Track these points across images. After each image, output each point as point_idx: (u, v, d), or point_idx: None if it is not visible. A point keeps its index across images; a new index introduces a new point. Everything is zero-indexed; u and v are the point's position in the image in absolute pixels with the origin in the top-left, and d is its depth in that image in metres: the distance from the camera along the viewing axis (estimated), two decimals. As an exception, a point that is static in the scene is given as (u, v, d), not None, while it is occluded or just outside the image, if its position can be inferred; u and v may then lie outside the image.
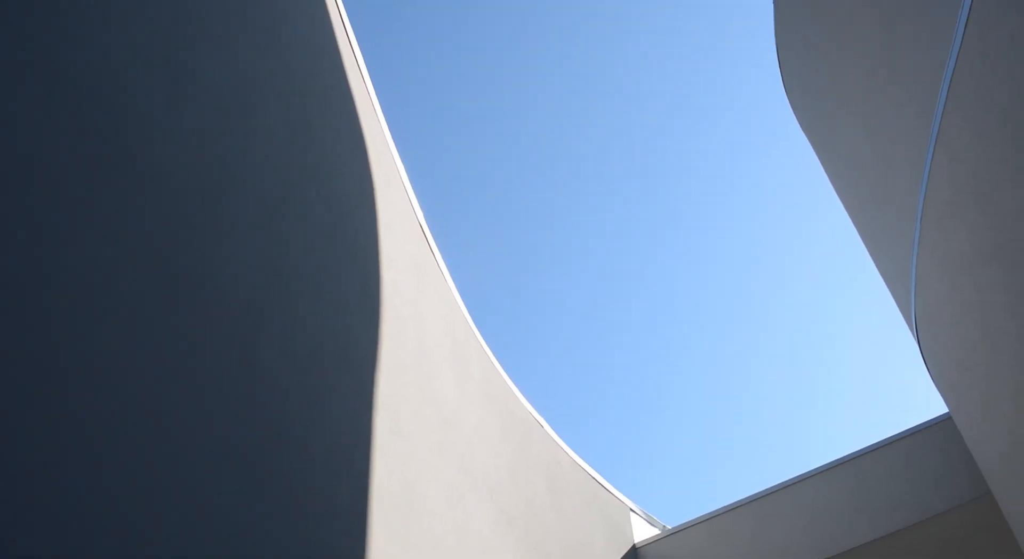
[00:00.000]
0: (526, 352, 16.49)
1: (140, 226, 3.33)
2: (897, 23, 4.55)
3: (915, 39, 4.32)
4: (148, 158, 3.51)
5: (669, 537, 8.15)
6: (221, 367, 3.62)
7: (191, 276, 3.60)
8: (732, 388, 17.89)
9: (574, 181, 16.78)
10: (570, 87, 16.47)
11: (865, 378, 18.14)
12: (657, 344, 18.01)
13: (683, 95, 16.77)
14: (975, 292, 4.28)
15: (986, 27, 3.55)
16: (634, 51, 16.24)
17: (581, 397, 17.42)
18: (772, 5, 6.77)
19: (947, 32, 3.81)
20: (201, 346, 3.53)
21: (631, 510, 8.50)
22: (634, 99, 16.64)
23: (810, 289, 17.87)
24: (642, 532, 8.44)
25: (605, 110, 16.72)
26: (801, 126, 7.52)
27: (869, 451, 7.09)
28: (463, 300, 7.04)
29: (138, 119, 3.51)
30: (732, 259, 17.56)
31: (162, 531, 2.97)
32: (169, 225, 3.53)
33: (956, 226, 4.22)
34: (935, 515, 6.29)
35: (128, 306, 3.14)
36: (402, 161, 6.60)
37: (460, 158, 16.63)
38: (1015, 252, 3.74)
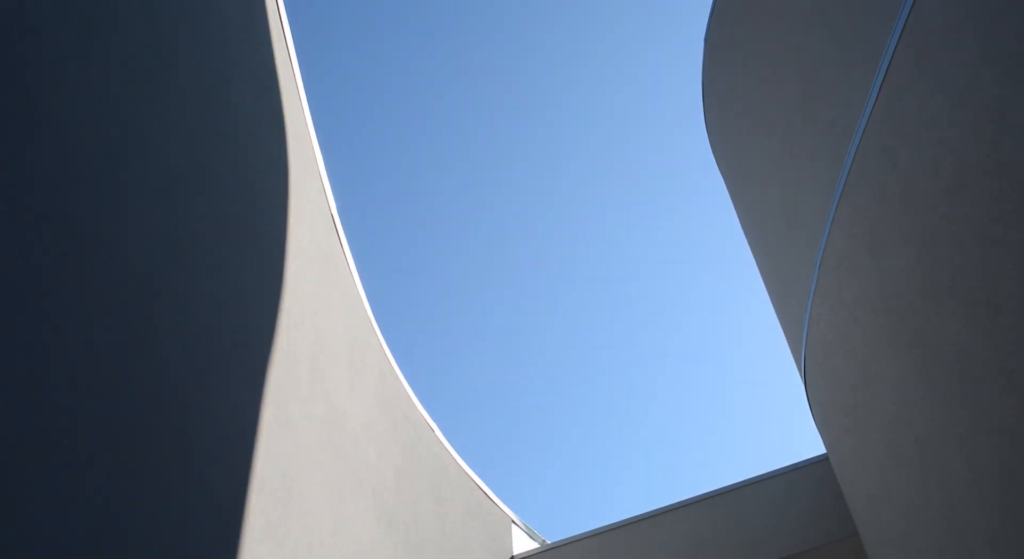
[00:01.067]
0: (426, 356, 16.42)
1: (32, 175, 3.16)
2: (816, 79, 4.72)
3: (832, 95, 4.49)
4: (50, 106, 3.33)
5: (548, 551, 8.21)
6: (107, 337, 3.46)
7: (83, 234, 3.42)
8: (629, 411, 18.19)
9: (493, 187, 16.83)
10: (491, 84, 16.49)
11: (760, 413, 18.68)
12: (560, 362, 18.18)
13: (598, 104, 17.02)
14: (861, 340, 4.45)
15: (897, 93, 3.71)
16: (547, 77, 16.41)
17: (476, 405, 17.45)
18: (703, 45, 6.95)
19: (862, 92, 3.97)
20: (87, 311, 3.36)
21: (513, 522, 8.54)
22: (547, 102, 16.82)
23: (714, 320, 18.33)
24: (522, 544, 8.49)
25: (519, 115, 16.84)
26: (718, 167, 7.73)
27: (748, 484, 7.30)
28: (367, 297, 6.97)
29: (43, 65, 3.33)
30: (638, 274, 17.87)
31: (25, 516, 2.81)
32: (66, 178, 3.36)
33: (850, 277, 4.40)
34: (806, 550, 6.52)
35: (9, 260, 2.97)
36: (321, 151, 6.49)
37: (384, 156, 16.49)
38: (900, 307, 3.92)
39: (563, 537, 8.31)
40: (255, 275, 5.07)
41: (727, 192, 7.59)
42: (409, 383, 7.38)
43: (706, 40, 6.88)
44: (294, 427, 5.04)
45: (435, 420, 7.67)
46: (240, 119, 5.33)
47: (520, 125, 16.73)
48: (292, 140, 5.99)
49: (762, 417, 18.76)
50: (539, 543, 8.86)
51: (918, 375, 3.87)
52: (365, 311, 6.88)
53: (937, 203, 3.50)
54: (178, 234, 4.23)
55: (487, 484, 8.27)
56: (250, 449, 4.52)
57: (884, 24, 3.77)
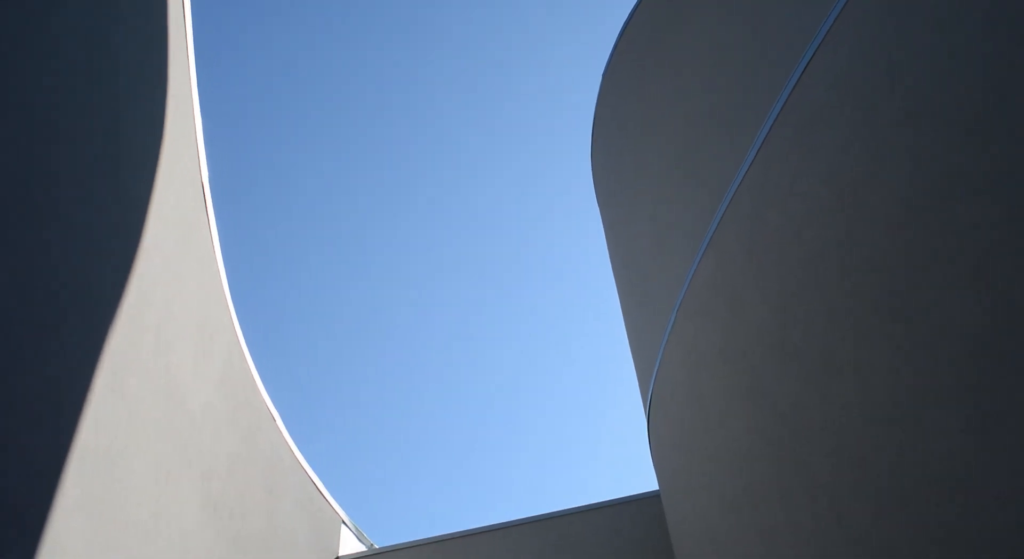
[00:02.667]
0: (279, 343, 16.00)
1: None
2: (702, 132, 4.90)
3: (714, 150, 4.67)
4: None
5: (374, 555, 8.12)
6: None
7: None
8: (478, 426, 18.26)
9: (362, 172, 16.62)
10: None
11: (607, 441, 19.09)
12: (417, 370, 18.08)
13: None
14: (707, 387, 4.63)
15: (772, 160, 3.90)
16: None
17: (322, 400, 17.12)
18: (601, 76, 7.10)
19: (741, 153, 4.15)
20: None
21: (343, 522, 8.40)
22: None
23: (579, 346, 18.66)
24: (349, 546, 8.36)
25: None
26: (596, 194, 7.89)
27: (581, 511, 7.45)
28: (227, 275, 6.73)
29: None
30: (500, 281, 18.01)
31: None
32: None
33: (706, 325, 4.57)
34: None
35: None
36: (202, 117, 6.24)
37: (269, 133, 16.02)
38: (748, 360, 4.10)
39: (392, 543, 8.24)
40: (109, 231, 4.81)
41: (601, 220, 7.77)
42: (257, 368, 7.16)
43: (604, 75, 7.04)
44: (128, 398, 4.79)
45: (278, 409, 7.47)
46: (120, 68, 5.05)
47: (399, 113, 16.58)
48: (173, 99, 5.73)
49: (609, 445, 19.22)
50: (367, 546, 8.76)
51: (755, 427, 4.05)
52: (222, 288, 6.64)
53: (796, 269, 3.68)
54: (35, 173, 3.96)
55: (322, 481, 8.11)
56: (76, 414, 4.27)
57: (770, 94, 3.96)
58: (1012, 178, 2.60)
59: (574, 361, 18.69)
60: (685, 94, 5.29)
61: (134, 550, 4.58)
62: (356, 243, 16.91)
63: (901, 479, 2.94)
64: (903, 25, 3.16)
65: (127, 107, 5.10)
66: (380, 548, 8.25)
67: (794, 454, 3.68)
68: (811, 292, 3.56)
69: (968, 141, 2.78)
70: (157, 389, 5.18)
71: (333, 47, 15.88)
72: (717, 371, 4.47)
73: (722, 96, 4.69)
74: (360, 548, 8.56)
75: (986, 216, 2.67)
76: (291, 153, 16.11)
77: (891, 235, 3.09)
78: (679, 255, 4.97)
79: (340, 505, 8.38)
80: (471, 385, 18.19)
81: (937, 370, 2.81)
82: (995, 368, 2.58)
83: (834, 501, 3.33)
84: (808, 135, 3.67)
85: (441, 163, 16.77)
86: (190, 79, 6.03)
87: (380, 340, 17.51)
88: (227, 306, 6.71)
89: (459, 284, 17.71)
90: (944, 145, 2.88)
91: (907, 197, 3.02)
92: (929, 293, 2.88)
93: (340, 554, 8.09)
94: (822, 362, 3.46)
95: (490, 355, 18.24)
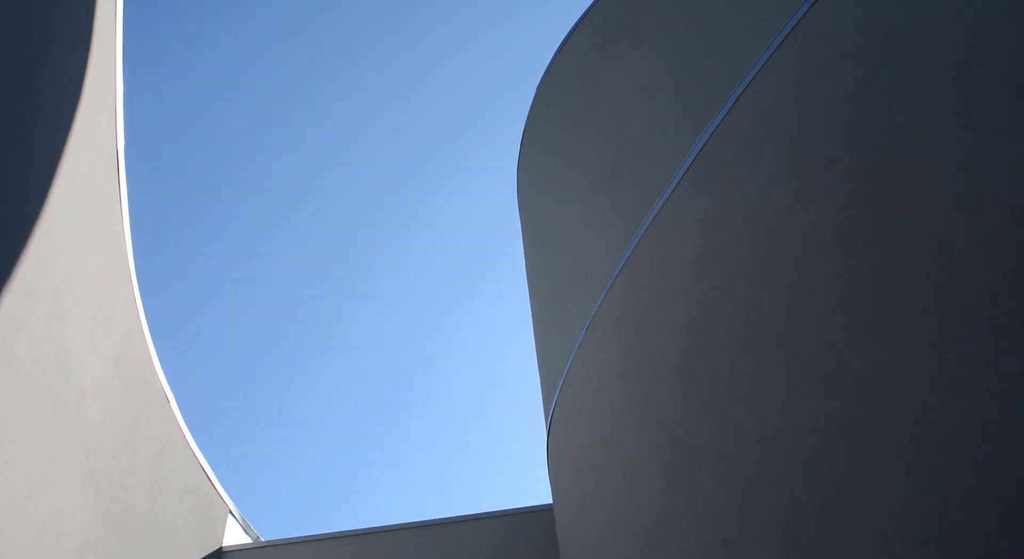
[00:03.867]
0: (181, 323, 15.56)
1: None
2: (630, 156, 4.97)
3: (641, 174, 4.74)
4: None
5: (259, 549, 7.95)
6: None
7: None
8: (378, 426, 18.08)
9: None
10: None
11: (508, 450, 19.11)
12: (325, 366, 17.83)
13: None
14: (608, 406, 4.69)
15: (695, 188, 3.98)
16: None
17: (221, 386, 16.71)
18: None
19: (666, 178, 4.23)
20: None
21: (230, 512, 8.20)
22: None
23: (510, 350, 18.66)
24: (234, 537, 8.16)
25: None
26: (519, 208, 7.93)
27: (473, 519, 7.45)
28: (134, 248, 6.51)
29: None
30: (427, 275, 17.91)
31: None
32: None
33: (613, 344, 4.64)
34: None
35: None
36: (124, 82, 6.04)
37: (192, 107, 15.60)
38: (651, 383, 4.17)
39: (278, 537, 8.09)
40: (12, 190, 4.60)
41: (521, 233, 7.81)
42: (156, 348, 6.94)
43: (537, 92, 7.10)
44: (16, 365, 4.58)
45: (174, 391, 7.25)
46: (43, 23, 4.85)
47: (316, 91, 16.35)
48: (95, 59, 5.53)
49: (513, 455, 19.28)
50: (252, 539, 8.57)
51: (650, 449, 4.12)
52: (127, 260, 6.42)
53: (704, 298, 3.77)
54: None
55: (212, 468, 7.90)
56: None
57: (697, 125, 4.05)
58: (912, 231, 2.71)
59: (498, 371, 18.72)
60: (614, 119, 5.36)
61: (6, 526, 4.38)
62: (269, 228, 16.58)
63: (788, 511, 3.03)
64: (830, 74, 3.27)
65: (44, 63, 4.89)
66: (266, 542, 8.08)
67: (686, 479, 3.75)
68: (716, 322, 3.64)
69: (877, 193, 2.89)
70: (48, 358, 4.97)
71: (271, 18, 15.57)
72: (619, 390, 4.54)
73: (650, 123, 4.77)
74: (245, 540, 8.36)
75: (886, 265, 2.78)
76: (215, 128, 15.72)
77: (799, 274, 3.19)
78: (594, 274, 5.03)
79: (229, 495, 8.19)
80: (379, 387, 18.02)
81: (829, 408, 2.91)
82: (881, 411, 2.68)
83: (721, 527, 3.41)
84: (731, 169, 3.76)
85: (352, 159, 16.61)
86: (116, 42, 5.83)
87: (292, 333, 17.20)
88: (131, 280, 6.49)
89: (381, 276, 17.55)
90: (857, 194, 2.98)
91: (818, 239, 3.12)
92: (828, 334, 2.98)
93: (224, 544, 7.89)
94: (721, 391, 3.55)
95: (400, 358, 18.10)
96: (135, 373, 6.47)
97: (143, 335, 6.73)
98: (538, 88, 7.04)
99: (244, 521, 8.50)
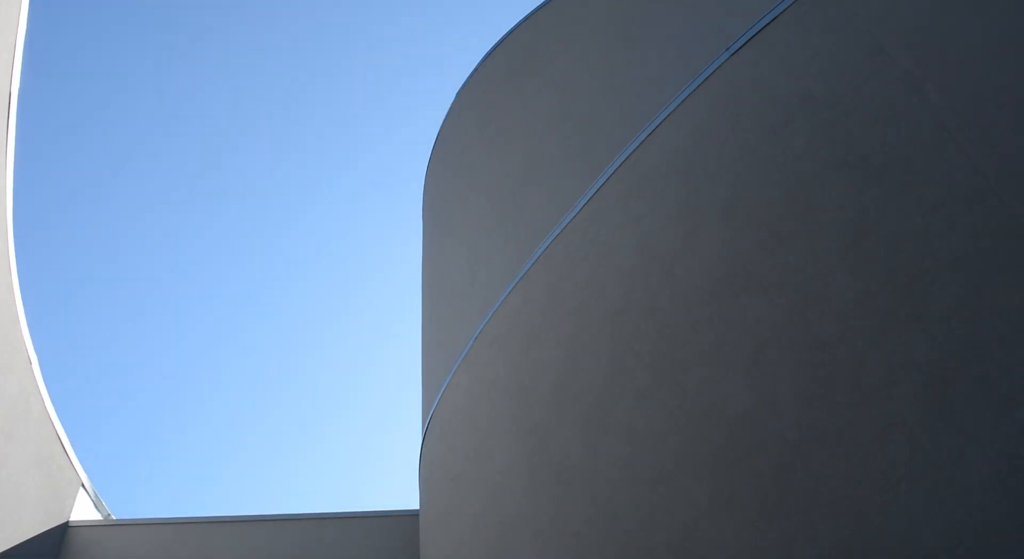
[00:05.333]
0: (56, 283, 14.84)
1: None
2: (534, 176, 5.01)
3: (546, 194, 4.78)
4: None
5: (108, 527, 7.61)
6: None
7: None
8: (247, 415, 17.62)
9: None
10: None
11: (382, 452, 18.92)
12: (204, 354, 17.28)
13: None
14: (487, 418, 4.69)
15: (596, 215, 4.04)
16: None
17: (94, 356, 15.99)
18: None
19: (570, 202, 4.27)
20: None
21: (82, 485, 7.83)
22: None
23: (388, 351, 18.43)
24: (84, 512, 7.79)
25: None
26: (423, 218, 7.90)
27: (332, 517, 7.33)
28: (14, 198, 6.17)
29: None
30: (311, 269, 17.60)
31: None
32: None
33: (499, 357, 4.65)
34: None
35: None
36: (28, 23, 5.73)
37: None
38: (531, 399, 4.19)
39: (130, 516, 7.77)
40: None
41: (422, 239, 7.77)
42: (24, 306, 6.58)
43: (453, 104, 7.10)
44: None
45: (40, 355, 6.89)
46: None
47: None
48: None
49: (382, 457, 19.09)
50: (103, 515, 8.20)
51: (523, 466, 4.14)
52: (4, 209, 6.08)
53: (593, 323, 3.81)
54: None
55: (69, 439, 7.53)
56: None
57: (607, 155, 4.11)
58: (796, 283, 2.82)
59: (379, 373, 18.50)
60: (524, 142, 5.40)
61: None
62: (153, 203, 16.02)
63: (649, 540, 3.09)
64: (739, 125, 3.37)
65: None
66: (116, 520, 7.75)
67: (552, 497, 3.78)
68: (601, 347, 3.69)
69: (769, 243, 2.99)
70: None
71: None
72: (498, 403, 4.55)
73: (560, 150, 4.83)
74: (95, 516, 8.00)
75: (769, 313, 2.88)
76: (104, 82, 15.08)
77: (685, 311, 3.27)
78: (489, 288, 5.04)
79: (83, 468, 7.81)
80: (255, 378, 17.59)
81: (699, 444, 2.98)
82: (747, 452, 2.76)
83: (583, 549, 3.44)
84: (633, 203, 3.83)
85: (234, 149, 16.25)
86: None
87: (174, 313, 16.62)
88: (6, 231, 6.15)
89: (270, 264, 17.15)
90: (749, 242, 3.08)
91: (707, 281, 3.20)
92: (706, 373, 3.06)
93: (72, 519, 7.53)
94: (597, 414, 3.59)
95: (278, 352, 17.73)
96: (-3, 331, 6.12)
97: (12, 290, 6.38)
98: (452, 105, 7.04)
99: (96, 496, 8.13)
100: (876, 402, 2.45)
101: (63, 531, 7.40)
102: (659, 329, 3.39)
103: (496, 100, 6.15)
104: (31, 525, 6.80)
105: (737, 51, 3.44)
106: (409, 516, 7.13)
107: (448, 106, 7.14)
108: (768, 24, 3.34)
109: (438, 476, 5.53)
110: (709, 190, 3.39)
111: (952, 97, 2.65)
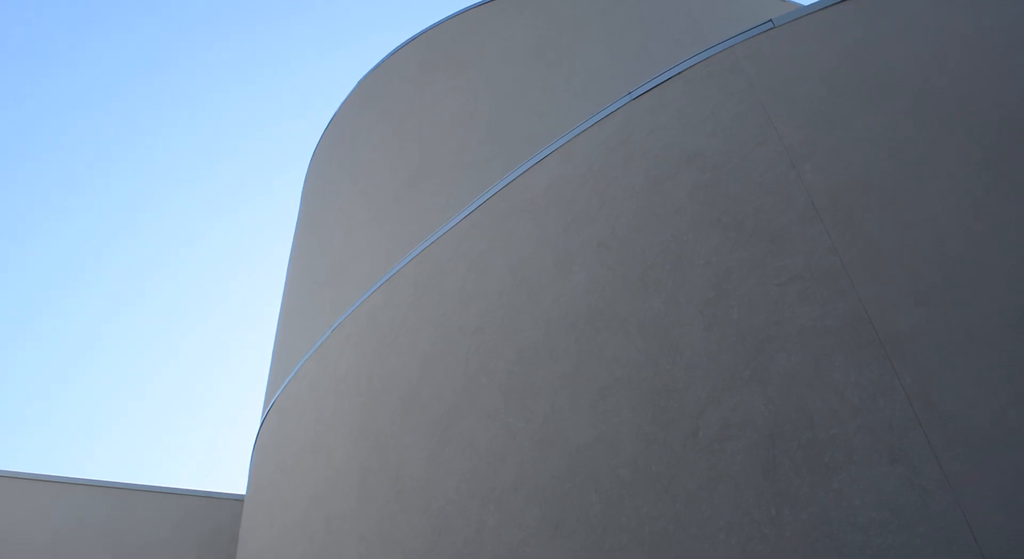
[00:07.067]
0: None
1: None
2: (416, 184, 5.01)
3: (419, 206, 4.77)
4: None
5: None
6: None
7: None
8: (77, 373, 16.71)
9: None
10: None
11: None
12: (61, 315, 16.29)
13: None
14: (330, 413, 4.61)
15: (469, 235, 4.06)
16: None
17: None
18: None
19: (438, 218, 4.28)
20: None
21: None
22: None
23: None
24: None
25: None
26: (301, 203, 7.74)
27: (155, 491, 7.04)
28: None
29: None
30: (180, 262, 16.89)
31: None
32: None
33: (352, 353, 4.59)
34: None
35: None
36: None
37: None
38: (371, 401, 4.15)
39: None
40: None
41: (297, 220, 7.61)
42: None
43: (358, 85, 7.01)
44: None
45: None
46: None
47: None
48: None
49: (219, 439, 18.50)
50: None
51: (357, 466, 4.09)
52: None
53: (453, 334, 3.82)
54: None
55: None
56: None
57: (495, 173, 4.15)
58: (654, 327, 2.92)
59: (231, 360, 17.91)
60: (423, 140, 5.39)
61: None
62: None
63: (474, 554, 3.11)
64: (630, 166, 3.47)
65: None
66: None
67: (384, 503, 3.76)
68: (456, 360, 3.71)
69: (634, 286, 3.09)
70: None
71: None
72: (344, 401, 4.48)
73: (456, 154, 4.83)
74: None
75: (622, 352, 2.97)
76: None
77: (546, 338, 3.33)
78: (355, 283, 4.98)
79: None
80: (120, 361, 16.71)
81: (536, 469, 3.03)
82: (580, 483, 2.83)
83: (409, 556, 3.43)
84: (514, 222, 3.87)
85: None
86: None
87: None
88: None
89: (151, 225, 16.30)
90: (617, 281, 3.17)
91: (572, 312, 3.27)
92: (554, 401, 3.12)
93: None
94: (441, 425, 3.60)
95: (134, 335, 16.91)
96: None
97: None
98: (351, 95, 6.94)
99: None
100: (709, 453, 2.56)
101: None
102: (517, 351, 3.43)
103: (399, 96, 6.11)
104: None
105: (639, 97, 3.55)
106: (231, 500, 6.93)
107: (346, 94, 7.03)
108: (671, 78, 3.47)
109: (270, 465, 5.39)
110: (589, 225, 3.47)
111: (825, 178, 2.82)
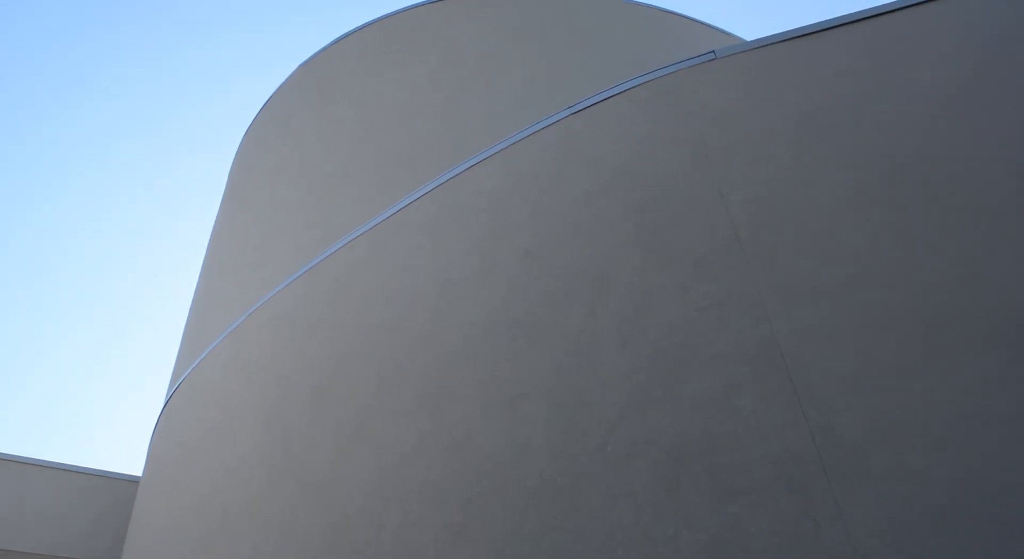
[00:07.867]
0: None
1: None
2: (348, 177, 4.96)
3: (351, 198, 4.73)
4: None
5: None
6: None
7: None
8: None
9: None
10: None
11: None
12: None
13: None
14: (238, 396, 4.53)
15: (383, 240, 4.05)
16: None
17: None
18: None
19: (370, 210, 4.25)
20: None
21: None
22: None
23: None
24: None
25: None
26: (227, 182, 7.60)
27: (45, 466, 6.83)
28: None
29: None
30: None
31: None
32: None
33: (267, 338, 4.51)
34: (50, 555, 6.24)
35: None
36: None
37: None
38: (271, 391, 4.09)
39: None
40: None
41: (221, 199, 7.46)
42: None
43: (299, 67, 6.90)
44: None
45: None
46: None
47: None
48: None
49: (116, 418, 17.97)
50: None
51: (262, 454, 4.02)
52: None
53: (373, 330, 3.79)
54: None
55: None
56: None
57: (431, 171, 4.14)
58: (572, 340, 2.95)
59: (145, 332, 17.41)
60: (363, 128, 5.34)
61: None
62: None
63: (373, 553, 3.09)
64: (564, 181, 3.50)
65: None
66: None
67: (287, 494, 3.71)
68: (372, 357, 3.68)
69: (557, 296, 3.12)
70: None
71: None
72: (256, 387, 4.41)
73: (393, 148, 4.80)
74: None
75: (539, 362, 2.99)
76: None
77: (462, 344, 3.33)
78: (278, 267, 4.90)
79: None
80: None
81: (445, 473, 3.03)
82: (493, 487, 2.84)
83: (304, 552, 3.39)
84: (442, 225, 3.86)
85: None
86: None
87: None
88: None
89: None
90: (540, 293, 3.20)
91: (491, 320, 3.29)
92: (465, 407, 3.13)
93: None
94: (354, 423, 3.57)
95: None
96: None
97: None
98: (292, 76, 6.84)
99: None
100: (615, 469, 2.61)
101: None
102: (434, 354, 3.43)
103: (340, 85, 6.04)
104: None
105: (579, 111, 3.58)
106: (126, 481, 6.75)
107: (287, 75, 6.92)
108: (614, 96, 3.51)
109: (172, 446, 5.26)
110: (516, 232, 3.48)
111: (750, 211, 2.90)
